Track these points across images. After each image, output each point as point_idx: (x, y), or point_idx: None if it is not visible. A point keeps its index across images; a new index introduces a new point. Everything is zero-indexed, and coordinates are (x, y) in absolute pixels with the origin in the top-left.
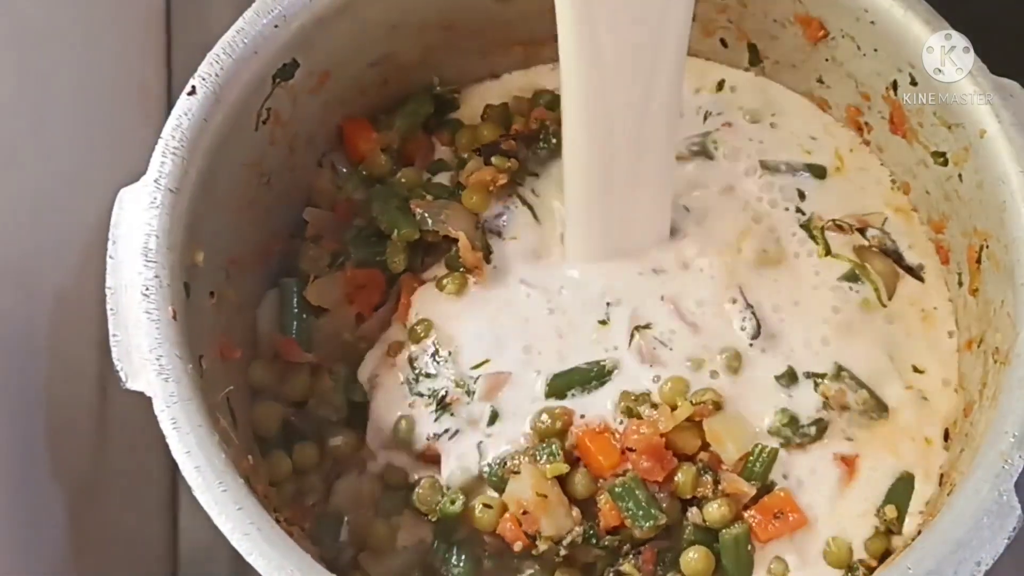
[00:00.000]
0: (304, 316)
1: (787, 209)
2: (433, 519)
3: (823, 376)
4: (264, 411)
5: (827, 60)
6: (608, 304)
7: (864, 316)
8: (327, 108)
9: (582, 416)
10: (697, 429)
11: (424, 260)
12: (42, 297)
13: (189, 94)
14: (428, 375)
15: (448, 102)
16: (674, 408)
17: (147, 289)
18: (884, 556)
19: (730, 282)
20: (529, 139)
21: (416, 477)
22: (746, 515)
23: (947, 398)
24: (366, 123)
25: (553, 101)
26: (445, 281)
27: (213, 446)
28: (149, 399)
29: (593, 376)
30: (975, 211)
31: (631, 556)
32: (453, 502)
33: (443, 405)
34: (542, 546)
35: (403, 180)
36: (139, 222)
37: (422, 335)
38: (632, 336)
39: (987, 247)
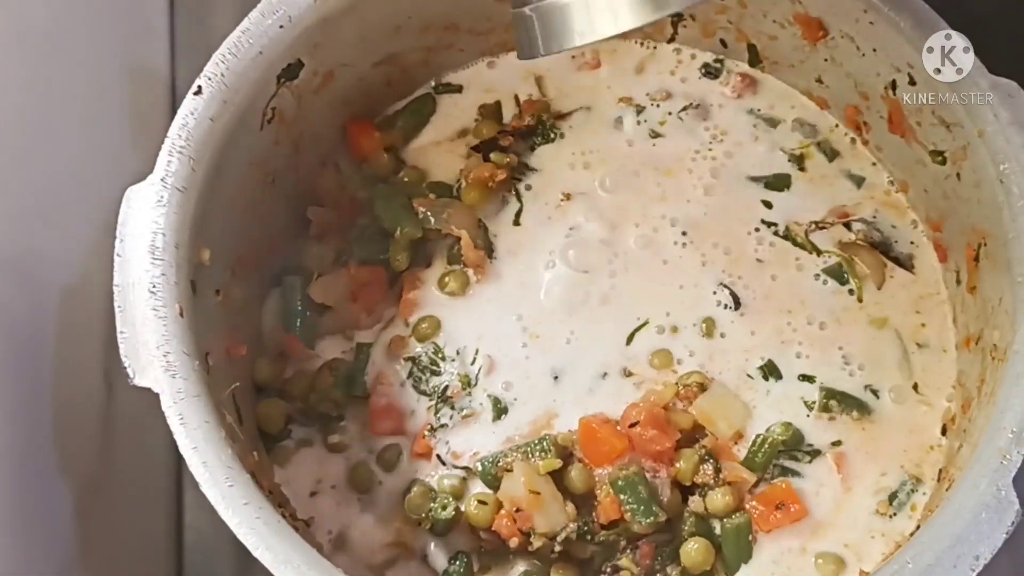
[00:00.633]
0: (308, 313)
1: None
2: (426, 527)
3: (812, 379)
4: (268, 408)
5: (826, 60)
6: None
7: (850, 310)
8: (331, 108)
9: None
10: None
11: (427, 258)
12: (49, 294)
13: (195, 94)
14: (431, 371)
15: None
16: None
17: (154, 287)
18: None
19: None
20: (527, 134)
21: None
22: (747, 506)
23: (942, 393)
24: (369, 123)
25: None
26: (447, 279)
27: (220, 442)
28: (155, 395)
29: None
30: (973, 210)
31: (628, 551)
32: (444, 507)
33: (444, 399)
34: (536, 543)
35: (406, 179)
36: (146, 220)
37: (426, 332)
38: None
39: (985, 245)
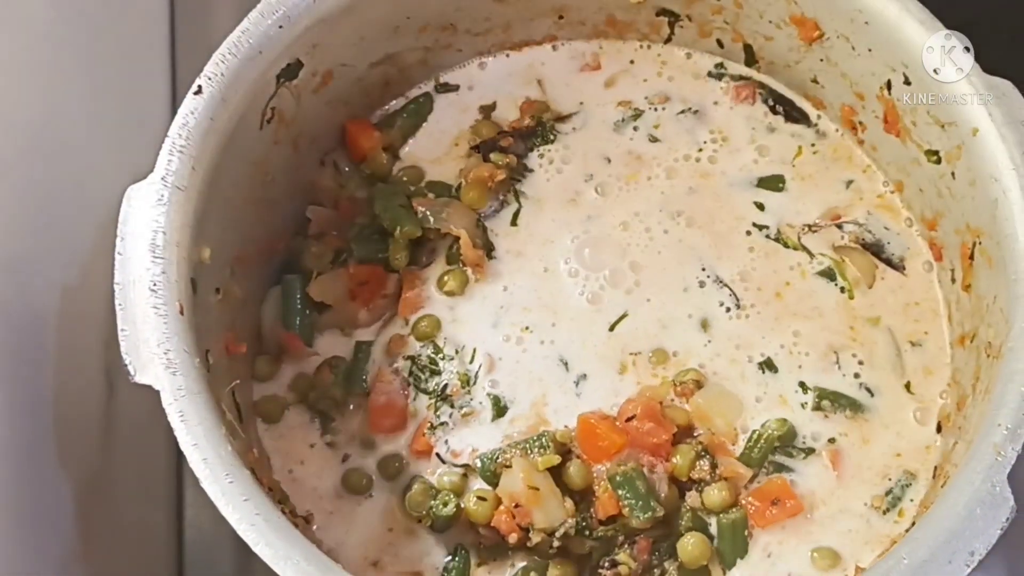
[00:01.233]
0: (307, 312)
1: (748, 233)
2: (427, 524)
3: (805, 378)
4: (268, 405)
5: (822, 60)
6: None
7: (842, 310)
8: (330, 107)
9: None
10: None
11: (425, 256)
12: (50, 293)
13: (195, 93)
14: (430, 369)
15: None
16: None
17: (155, 285)
18: None
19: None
20: (526, 135)
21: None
22: (744, 501)
23: (937, 391)
24: (368, 122)
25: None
26: (446, 278)
27: (220, 438)
28: (155, 393)
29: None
30: (968, 208)
31: (626, 546)
32: (446, 504)
33: (443, 398)
34: (535, 538)
35: (405, 179)
36: (147, 219)
37: (426, 331)
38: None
39: (980, 244)
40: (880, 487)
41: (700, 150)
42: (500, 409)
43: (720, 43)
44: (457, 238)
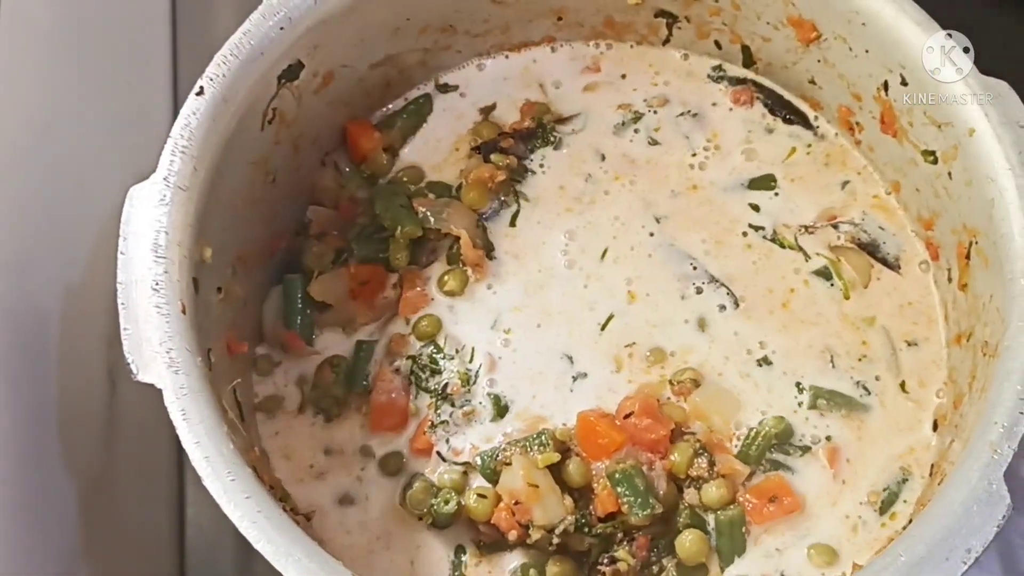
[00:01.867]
0: (308, 311)
1: (745, 234)
2: (427, 521)
3: (801, 376)
4: (270, 404)
5: (819, 61)
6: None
7: (838, 310)
8: (331, 108)
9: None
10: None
11: (426, 256)
12: (53, 292)
13: (197, 94)
14: (431, 369)
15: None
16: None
17: (157, 284)
18: None
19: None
20: (527, 136)
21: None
22: (741, 498)
23: (932, 390)
24: (368, 123)
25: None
26: (446, 278)
27: (222, 436)
28: (157, 392)
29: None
30: (964, 208)
31: (625, 543)
32: (447, 502)
33: (444, 397)
34: (535, 535)
35: (405, 179)
36: (149, 219)
37: (426, 330)
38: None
39: (976, 243)
40: (877, 485)
41: (694, 155)
42: (500, 408)
43: (718, 44)
44: (457, 238)
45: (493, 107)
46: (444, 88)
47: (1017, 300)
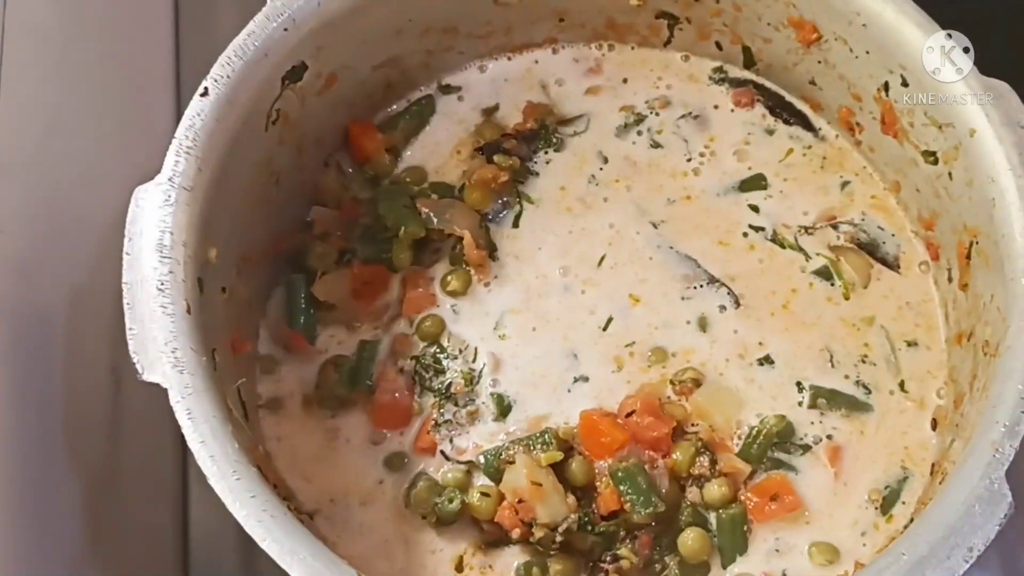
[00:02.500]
0: (312, 311)
1: (746, 235)
2: (431, 520)
3: (802, 376)
4: (274, 403)
5: (820, 62)
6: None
7: (838, 310)
8: (334, 109)
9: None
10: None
11: (429, 257)
12: (59, 292)
13: (202, 95)
14: (435, 369)
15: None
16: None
17: (162, 284)
18: None
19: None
20: (530, 138)
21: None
22: (743, 497)
23: (932, 389)
24: (371, 124)
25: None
26: (449, 278)
27: (226, 436)
28: (162, 391)
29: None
30: (965, 208)
31: (628, 541)
32: (451, 501)
33: (447, 396)
34: (538, 533)
35: (408, 180)
36: (154, 219)
37: (430, 331)
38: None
39: (977, 243)
40: (878, 483)
41: (691, 159)
42: (503, 407)
43: (719, 46)
44: (460, 239)
45: (496, 108)
46: (446, 89)
47: (1018, 300)
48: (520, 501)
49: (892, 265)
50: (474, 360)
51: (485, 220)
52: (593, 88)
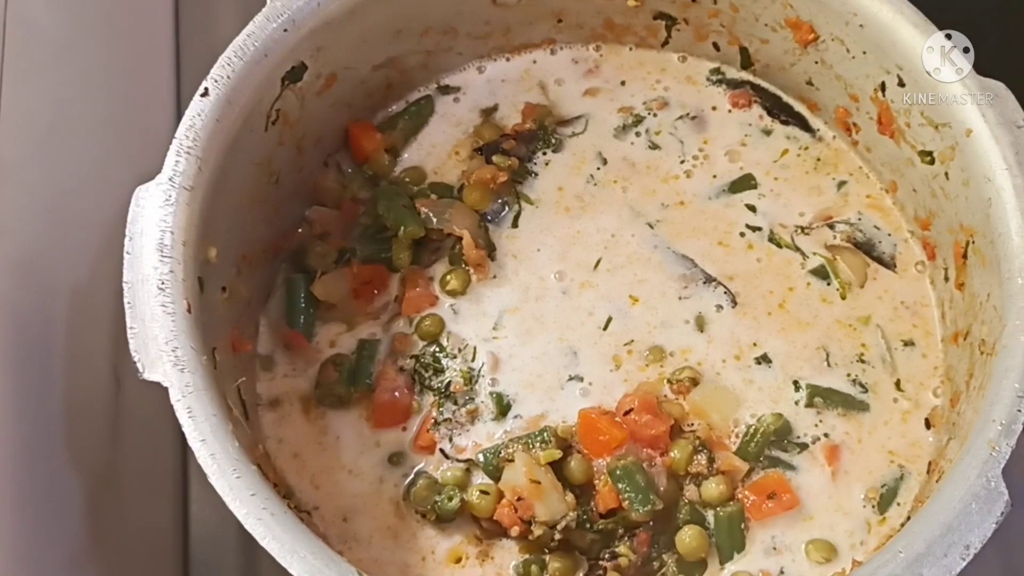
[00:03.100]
0: (311, 311)
1: (743, 234)
2: (431, 518)
3: (798, 375)
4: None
5: (817, 63)
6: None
7: (835, 309)
8: (334, 110)
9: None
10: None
11: (428, 256)
12: (61, 292)
13: (202, 96)
14: (434, 368)
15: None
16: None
17: (163, 283)
18: None
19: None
20: (529, 138)
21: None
22: (740, 495)
23: (928, 388)
24: (370, 124)
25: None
26: (448, 277)
27: (227, 434)
28: (162, 391)
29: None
30: (961, 208)
31: (626, 539)
32: (451, 499)
33: (447, 395)
34: (537, 531)
35: (407, 180)
36: (155, 219)
37: (429, 330)
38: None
39: (973, 243)
40: (875, 482)
41: (685, 161)
42: (502, 406)
43: (716, 46)
44: (459, 239)
45: (494, 109)
46: (445, 90)
47: (1015, 298)
48: (519, 499)
49: (888, 264)
50: (473, 359)
51: (484, 220)
52: (592, 89)
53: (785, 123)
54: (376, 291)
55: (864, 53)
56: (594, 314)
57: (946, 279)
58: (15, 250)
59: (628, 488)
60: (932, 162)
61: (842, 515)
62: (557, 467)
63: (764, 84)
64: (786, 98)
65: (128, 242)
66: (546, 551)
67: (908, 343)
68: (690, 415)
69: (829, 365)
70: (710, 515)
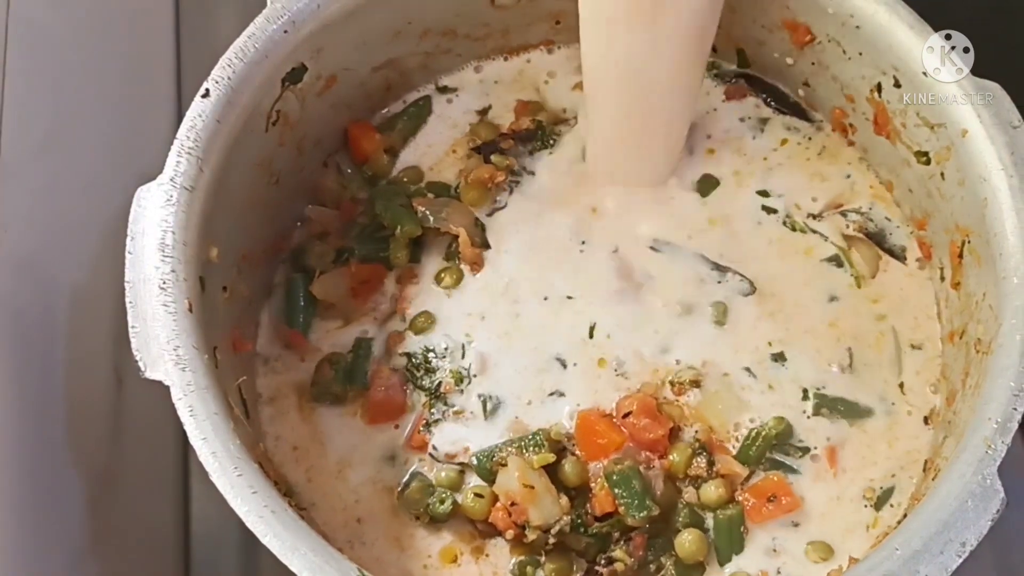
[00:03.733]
0: (311, 310)
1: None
2: (424, 521)
3: (806, 393)
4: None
5: (813, 64)
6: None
7: (846, 304)
8: (333, 110)
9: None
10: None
11: (424, 255)
12: (63, 291)
13: (203, 97)
14: (425, 367)
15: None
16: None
17: (164, 283)
18: None
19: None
20: (526, 138)
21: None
22: (740, 497)
23: (928, 389)
24: (370, 125)
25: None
26: (443, 275)
27: (228, 433)
28: (163, 389)
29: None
30: (957, 208)
31: (622, 542)
32: (443, 501)
33: (437, 395)
34: (531, 535)
35: (405, 179)
36: (156, 219)
37: (422, 326)
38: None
39: (969, 242)
40: (873, 483)
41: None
42: (492, 407)
43: (713, 47)
44: (456, 237)
45: (489, 108)
46: (444, 90)
47: (1010, 297)
48: (512, 504)
49: (899, 256)
50: (463, 358)
51: (480, 220)
52: (581, 84)
53: (783, 113)
54: (373, 290)
55: (860, 54)
56: (589, 313)
57: (942, 279)
58: (17, 249)
59: (624, 493)
60: (928, 162)
61: (841, 516)
62: (551, 469)
63: (760, 75)
64: (784, 88)
65: (130, 242)
66: (542, 552)
67: (917, 346)
68: (690, 419)
69: (834, 368)
70: (708, 517)
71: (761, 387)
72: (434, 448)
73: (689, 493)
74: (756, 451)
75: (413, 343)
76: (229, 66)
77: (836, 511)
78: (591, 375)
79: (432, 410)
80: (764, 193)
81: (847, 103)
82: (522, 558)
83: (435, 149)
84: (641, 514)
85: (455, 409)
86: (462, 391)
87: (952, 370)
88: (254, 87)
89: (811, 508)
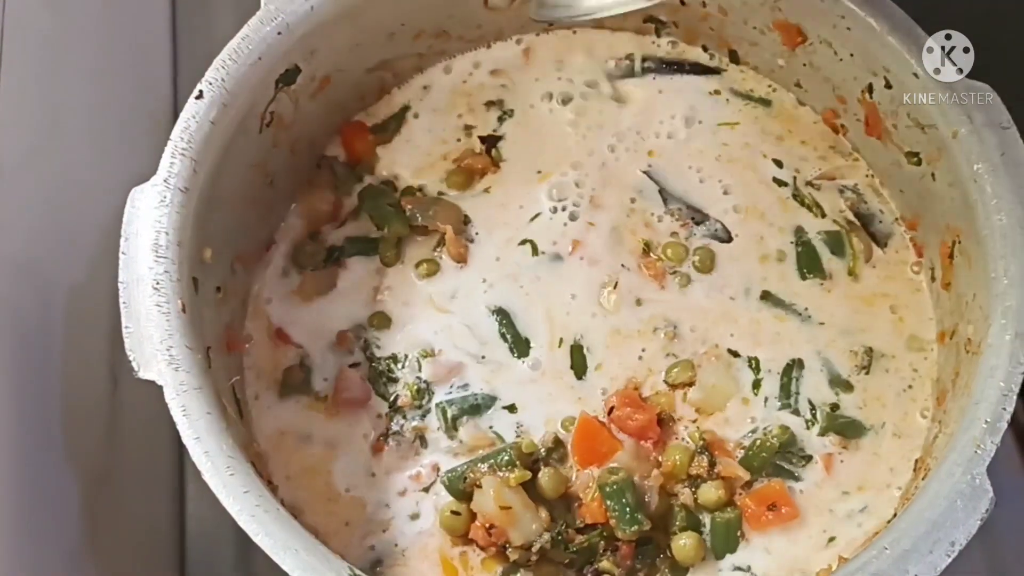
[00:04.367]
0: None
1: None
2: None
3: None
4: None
5: (805, 65)
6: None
7: (850, 306)
8: (327, 112)
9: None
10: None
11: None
12: (57, 292)
13: (197, 98)
14: (386, 377)
15: None
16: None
17: (158, 283)
18: None
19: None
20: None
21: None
22: (739, 502)
23: (923, 391)
24: (363, 126)
25: None
26: (421, 267)
27: (221, 432)
28: (158, 389)
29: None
30: (947, 208)
31: (609, 552)
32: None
33: (396, 409)
34: (513, 555)
35: (395, 179)
36: (150, 220)
37: (380, 324)
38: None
39: (959, 243)
40: (871, 483)
41: (663, 122)
42: (455, 419)
43: (705, 48)
44: (443, 234)
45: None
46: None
47: (1000, 298)
48: (491, 527)
49: (880, 243)
50: (420, 370)
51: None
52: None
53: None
54: (362, 288)
55: (852, 55)
56: (576, 313)
57: (933, 279)
58: (12, 250)
59: (616, 507)
60: (919, 163)
61: (838, 519)
62: (528, 484)
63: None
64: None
65: (123, 243)
66: (528, 564)
67: (916, 348)
68: (673, 402)
69: (831, 369)
70: (706, 518)
71: (760, 391)
72: (400, 470)
73: (685, 494)
74: (760, 460)
75: (374, 349)
76: (223, 68)
77: (834, 514)
78: (568, 382)
79: (391, 424)
80: (779, 163)
81: (839, 104)
82: (506, 566)
83: (425, 147)
84: (631, 528)
85: (414, 425)
86: (421, 407)
87: (943, 370)
88: (248, 89)
89: (809, 515)
